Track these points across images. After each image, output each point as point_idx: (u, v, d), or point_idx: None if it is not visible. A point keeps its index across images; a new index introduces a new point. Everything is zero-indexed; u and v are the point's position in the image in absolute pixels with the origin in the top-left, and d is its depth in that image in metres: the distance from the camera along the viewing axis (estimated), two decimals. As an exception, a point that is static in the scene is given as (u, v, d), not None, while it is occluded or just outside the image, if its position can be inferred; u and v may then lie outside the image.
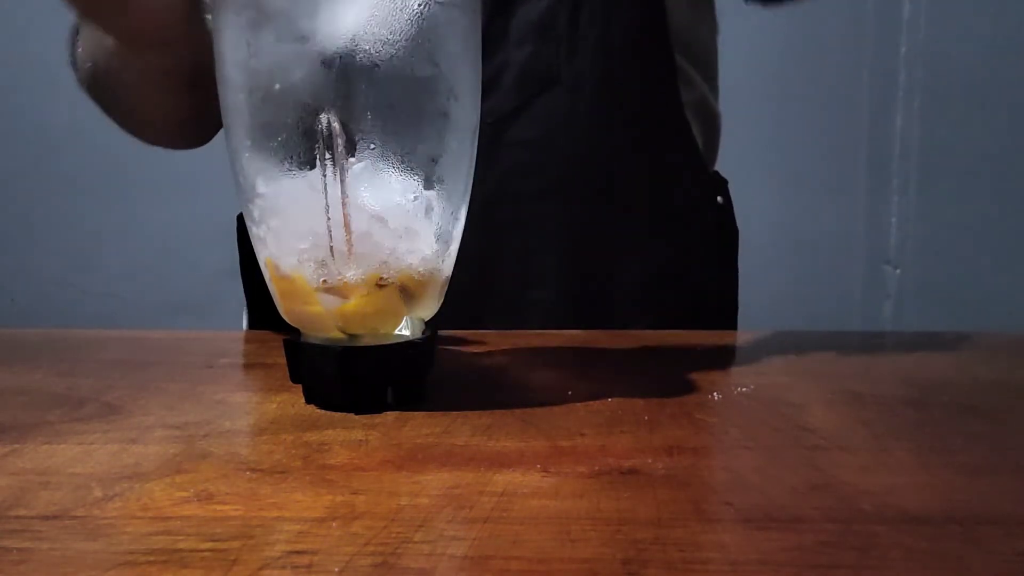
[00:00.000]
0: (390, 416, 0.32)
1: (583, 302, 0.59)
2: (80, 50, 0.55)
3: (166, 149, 0.64)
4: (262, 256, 0.34)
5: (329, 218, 0.31)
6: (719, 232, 0.65)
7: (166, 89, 0.53)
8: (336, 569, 0.19)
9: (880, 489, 0.24)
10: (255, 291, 0.64)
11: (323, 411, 0.33)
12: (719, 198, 0.65)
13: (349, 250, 0.31)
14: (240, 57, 0.31)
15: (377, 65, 0.30)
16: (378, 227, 0.32)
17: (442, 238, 0.33)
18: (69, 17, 0.54)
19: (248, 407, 0.34)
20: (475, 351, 0.46)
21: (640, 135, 0.60)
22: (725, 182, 0.66)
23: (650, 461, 0.27)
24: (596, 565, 0.19)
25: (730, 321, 0.65)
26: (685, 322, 0.58)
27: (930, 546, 0.21)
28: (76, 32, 0.55)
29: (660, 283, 0.61)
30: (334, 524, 0.22)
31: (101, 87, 0.56)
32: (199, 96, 0.58)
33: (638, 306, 0.60)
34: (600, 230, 0.59)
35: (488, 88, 0.56)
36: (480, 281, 0.58)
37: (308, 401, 0.34)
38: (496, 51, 0.57)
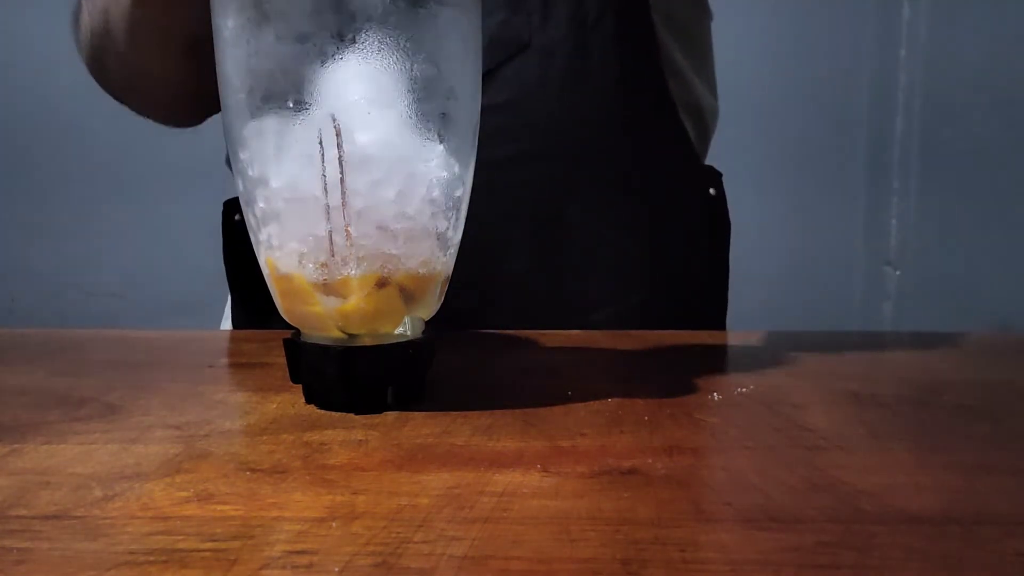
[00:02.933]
0: (390, 416, 0.32)
1: (558, 276, 0.58)
2: (84, 22, 0.55)
3: (166, 125, 0.65)
4: (262, 256, 0.34)
5: (329, 219, 0.31)
6: (710, 223, 0.64)
7: (166, 54, 0.54)
8: (336, 569, 0.19)
9: (880, 489, 0.24)
10: (240, 282, 0.64)
11: (323, 411, 0.33)
12: (711, 189, 0.64)
13: (349, 250, 0.31)
14: (240, 57, 0.31)
15: (377, 66, 0.30)
16: (378, 228, 0.32)
17: (442, 238, 0.33)
18: (69, 5, 0.55)
19: (248, 407, 0.34)
20: (475, 351, 0.46)
21: (619, 109, 0.59)
22: (719, 174, 0.65)
23: (650, 461, 0.27)
24: (596, 565, 0.19)
25: (719, 314, 0.65)
26: (670, 310, 0.58)
27: (930, 546, 0.21)
28: (78, 11, 0.55)
29: (642, 265, 0.60)
30: (334, 524, 0.22)
31: (103, 59, 0.57)
32: (196, 65, 0.59)
33: (618, 286, 0.59)
34: (576, 202, 0.58)
35: None
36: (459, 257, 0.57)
37: (308, 401, 0.34)
38: None
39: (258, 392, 0.36)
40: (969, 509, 0.23)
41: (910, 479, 0.25)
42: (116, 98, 0.61)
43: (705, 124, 0.67)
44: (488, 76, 0.56)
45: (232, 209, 0.64)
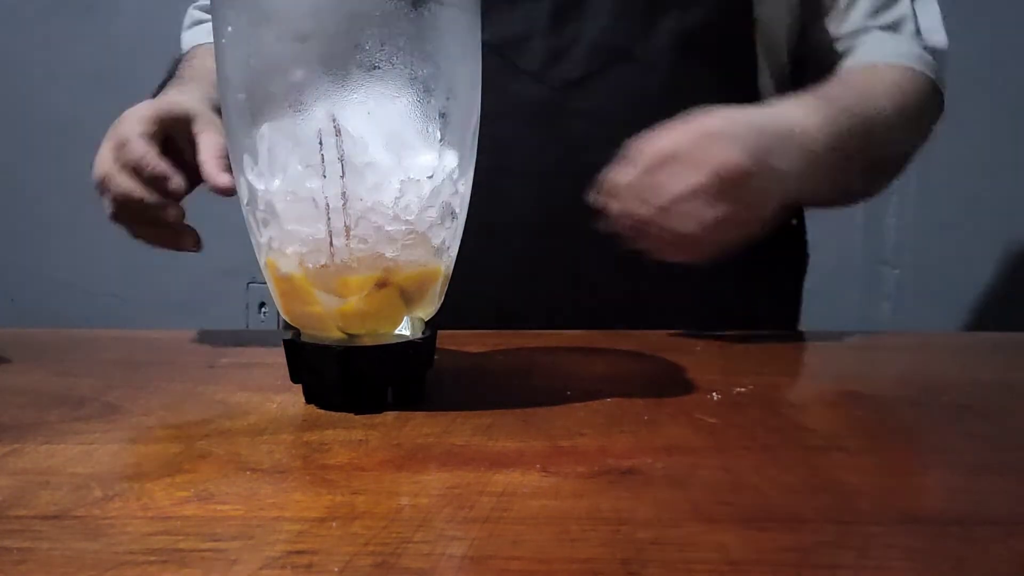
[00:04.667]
0: (390, 416, 0.32)
1: (633, 295, 0.56)
2: None
3: None
4: (263, 257, 0.34)
5: (329, 220, 0.31)
6: (788, 255, 0.62)
7: None
8: (336, 569, 0.19)
9: (879, 489, 0.24)
10: None
11: (323, 411, 0.33)
12: (793, 220, 0.61)
13: (348, 252, 0.31)
14: (240, 58, 0.31)
15: (377, 66, 0.30)
16: (377, 229, 0.31)
17: (441, 238, 0.33)
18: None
19: (248, 407, 0.34)
20: (475, 351, 0.46)
21: None
22: (801, 207, 0.62)
23: (650, 461, 0.27)
24: (596, 565, 0.19)
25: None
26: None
27: (929, 546, 0.21)
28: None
29: (716, 295, 0.57)
30: (334, 524, 0.22)
31: None
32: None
33: (687, 315, 0.56)
34: None
35: (557, 58, 0.54)
36: (535, 254, 0.55)
37: (308, 401, 0.34)
38: (567, 24, 0.55)
39: (258, 392, 0.36)
40: (969, 509, 0.23)
41: (909, 479, 0.25)
42: None
43: None
44: (585, 80, 0.54)
45: None
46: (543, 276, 0.56)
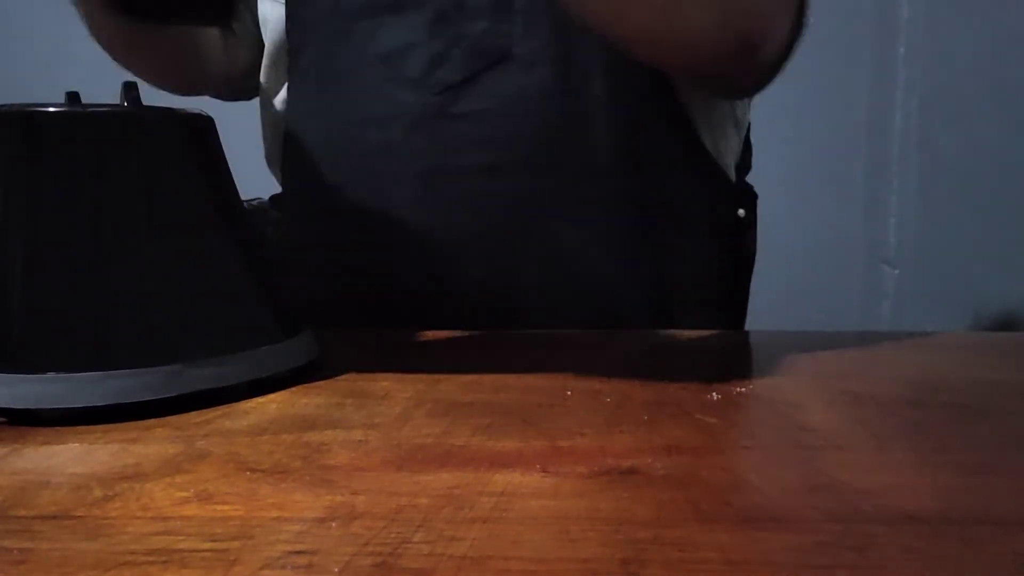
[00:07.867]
0: (390, 416, 0.32)
1: (518, 289, 0.56)
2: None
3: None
4: None
5: None
6: (731, 248, 0.61)
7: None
8: (336, 569, 0.19)
9: (879, 489, 0.24)
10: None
11: (323, 411, 0.33)
12: (740, 211, 0.61)
13: None
14: None
15: None
16: None
17: None
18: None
19: (248, 407, 0.34)
20: (475, 351, 0.46)
21: (615, 123, 0.55)
22: (753, 196, 0.62)
23: (650, 461, 0.27)
24: (596, 565, 0.19)
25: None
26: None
27: (929, 546, 0.21)
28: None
29: (631, 290, 0.57)
30: (334, 524, 0.22)
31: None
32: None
33: (600, 303, 0.56)
34: (564, 218, 0.56)
35: (438, 63, 0.55)
36: (422, 261, 0.56)
37: None
38: (447, 29, 0.55)
39: (258, 392, 0.36)
40: (968, 509, 0.23)
41: (909, 479, 0.25)
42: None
43: (741, 136, 0.63)
44: (466, 83, 0.54)
45: (276, 206, 0.65)
46: (418, 275, 0.57)
